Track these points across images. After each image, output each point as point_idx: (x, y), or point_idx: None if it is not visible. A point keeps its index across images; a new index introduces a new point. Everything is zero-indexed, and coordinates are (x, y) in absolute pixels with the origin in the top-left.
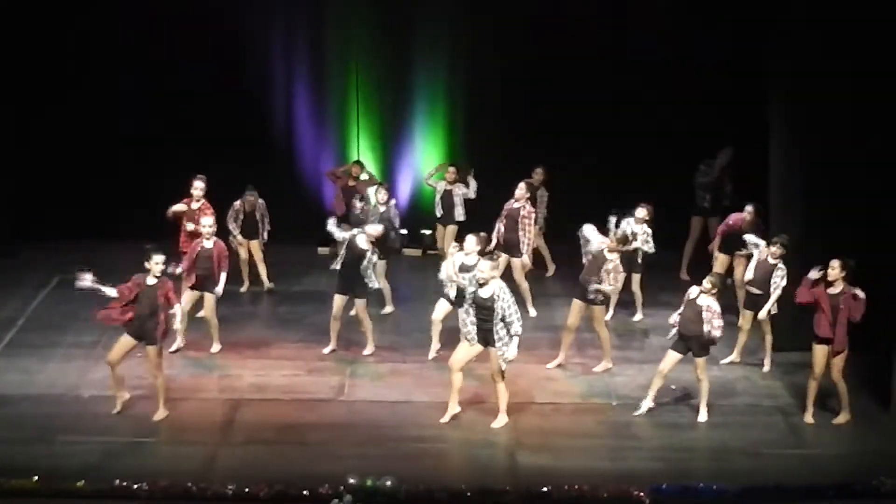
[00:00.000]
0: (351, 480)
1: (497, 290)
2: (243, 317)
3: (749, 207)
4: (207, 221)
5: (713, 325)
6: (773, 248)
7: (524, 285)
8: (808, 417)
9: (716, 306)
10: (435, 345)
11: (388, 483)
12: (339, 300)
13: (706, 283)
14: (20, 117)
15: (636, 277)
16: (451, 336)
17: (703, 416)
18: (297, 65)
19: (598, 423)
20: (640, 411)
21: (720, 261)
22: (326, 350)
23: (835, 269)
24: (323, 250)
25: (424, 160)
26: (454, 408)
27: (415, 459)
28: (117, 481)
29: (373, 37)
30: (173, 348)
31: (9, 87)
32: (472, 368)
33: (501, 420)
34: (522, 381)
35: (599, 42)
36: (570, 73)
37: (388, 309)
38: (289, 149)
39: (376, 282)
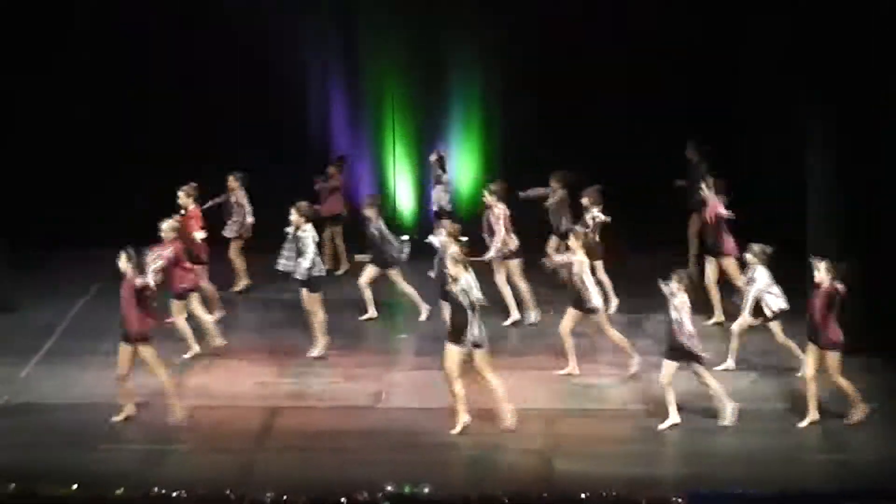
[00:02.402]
0: (388, 487)
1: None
2: (280, 323)
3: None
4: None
5: (681, 323)
6: (747, 255)
7: (522, 285)
8: (807, 420)
9: (683, 305)
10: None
11: (426, 490)
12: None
13: (673, 284)
14: (41, 125)
15: (599, 264)
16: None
17: (727, 419)
18: (333, 70)
19: (634, 428)
20: (665, 425)
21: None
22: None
23: (820, 270)
24: (360, 257)
25: (460, 166)
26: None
27: (452, 466)
28: (156, 489)
29: (409, 43)
30: (188, 355)
31: (28, 93)
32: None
33: (509, 418)
34: (558, 387)
35: (636, 49)
36: (608, 80)
37: (371, 314)
38: (325, 155)
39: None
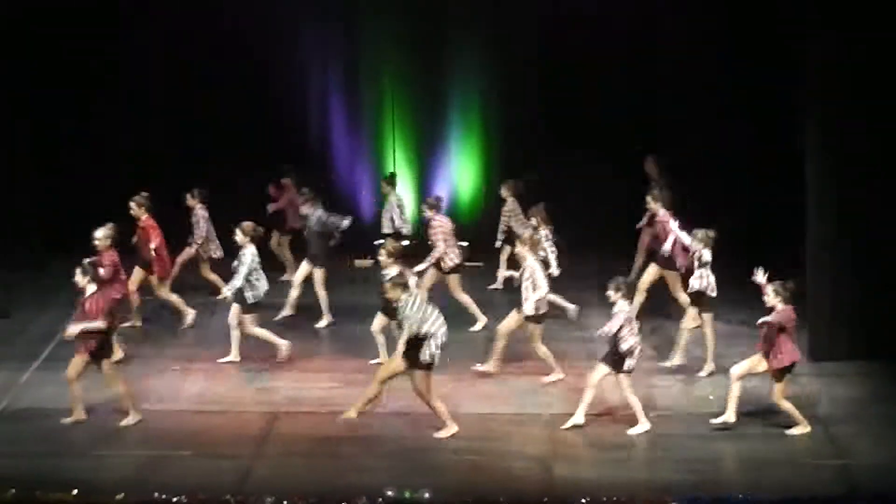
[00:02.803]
0: (388, 492)
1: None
2: (279, 330)
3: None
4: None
5: (609, 330)
6: (692, 242)
7: (462, 298)
8: (721, 419)
9: (619, 312)
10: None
11: (426, 495)
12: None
13: (609, 291)
14: (42, 130)
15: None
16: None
17: (636, 428)
18: (333, 77)
19: (635, 434)
20: (568, 424)
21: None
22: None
23: (769, 295)
24: (360, 262)
25: (461, 171)
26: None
27: (451, 471)
28: (156, 494)
29: (407, 48)
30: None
31: (29, 100)
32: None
33: (449, 430)
34: (557, 392)
35: (634, 52)
36: (608, 83)
37: (325, 321)
38: (325, 162)
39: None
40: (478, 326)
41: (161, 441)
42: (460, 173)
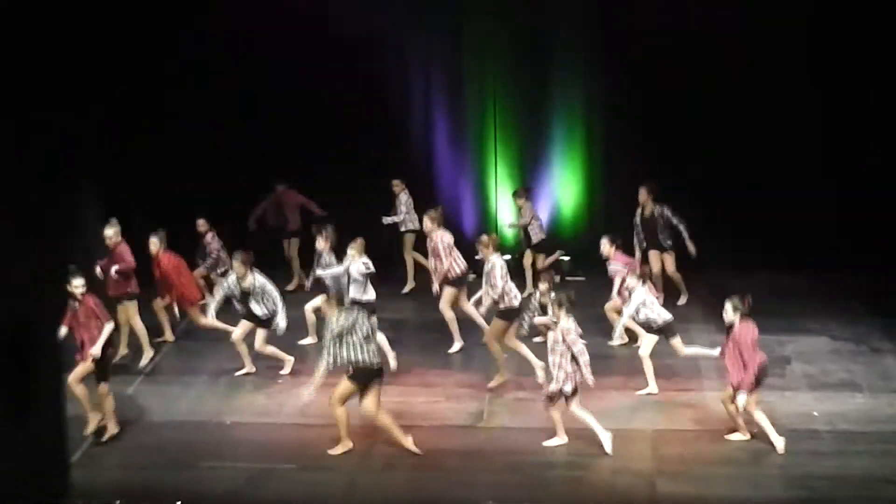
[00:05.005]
0: None
1: None
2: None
3: None
4: None
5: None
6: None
7: (447, 314)
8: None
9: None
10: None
11: None
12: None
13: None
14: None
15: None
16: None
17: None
18: (436, 92)
19: (740, 450)
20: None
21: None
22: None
23: (727, 311)
24: None
25: (563, 184)
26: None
27: (554, 486)
28: None
29: (510, 62)
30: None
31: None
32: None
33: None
34: (662, 407)
35: (739, 65)
36: (710, 95)
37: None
38: (428, 176)
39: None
40: (453, 348)
41: (265, 454)
42: (562, 186)
